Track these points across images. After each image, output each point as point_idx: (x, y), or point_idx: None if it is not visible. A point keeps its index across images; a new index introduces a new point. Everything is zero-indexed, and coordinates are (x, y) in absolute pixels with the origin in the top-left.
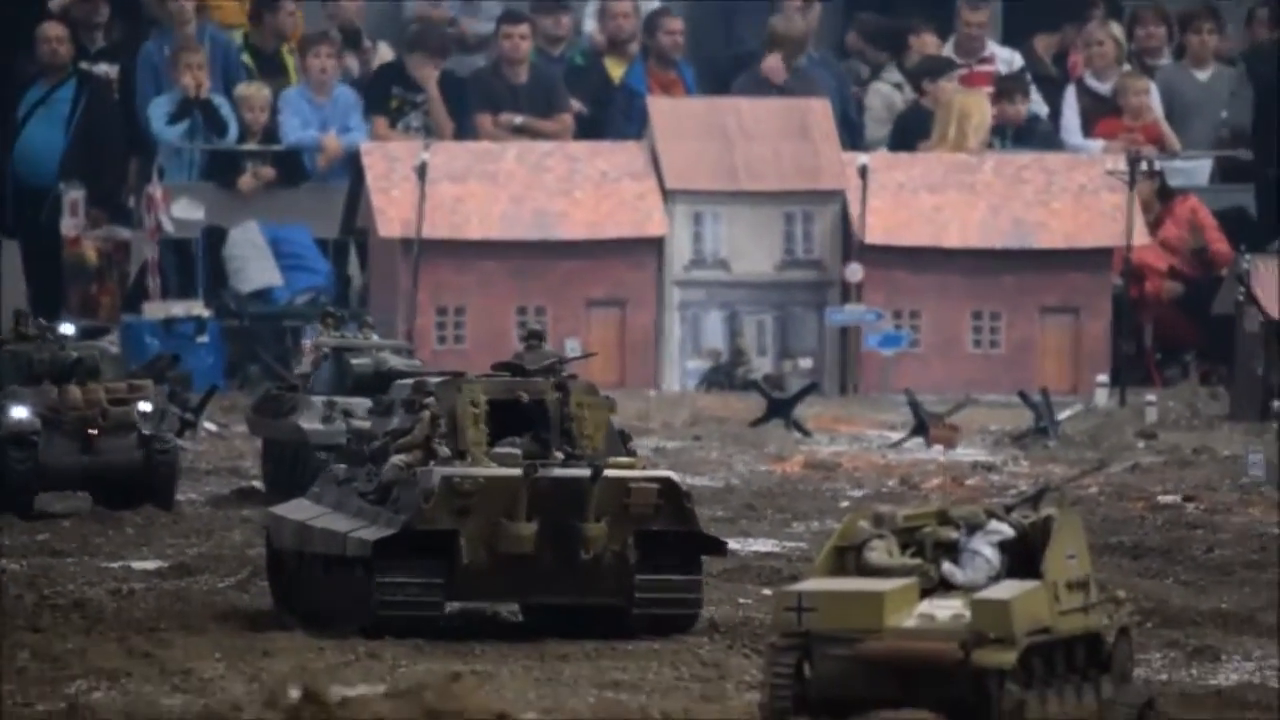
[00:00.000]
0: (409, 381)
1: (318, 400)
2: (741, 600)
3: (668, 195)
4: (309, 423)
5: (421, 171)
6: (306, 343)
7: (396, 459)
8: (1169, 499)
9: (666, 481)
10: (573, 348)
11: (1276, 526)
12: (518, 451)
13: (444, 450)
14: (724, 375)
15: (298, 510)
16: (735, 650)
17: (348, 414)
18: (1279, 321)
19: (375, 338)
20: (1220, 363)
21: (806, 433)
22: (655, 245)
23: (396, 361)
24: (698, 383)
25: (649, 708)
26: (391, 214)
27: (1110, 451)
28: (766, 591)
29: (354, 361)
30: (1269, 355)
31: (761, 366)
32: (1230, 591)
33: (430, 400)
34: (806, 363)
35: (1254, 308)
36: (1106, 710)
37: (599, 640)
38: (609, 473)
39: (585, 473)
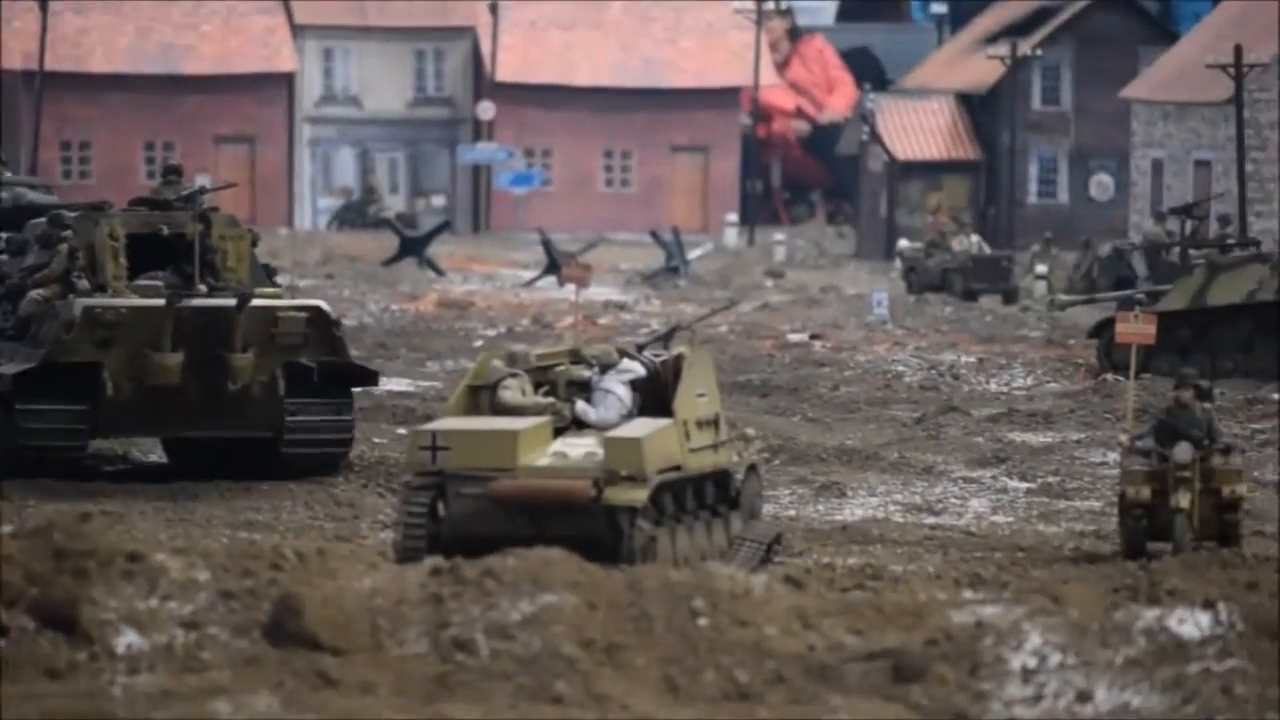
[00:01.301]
0: (43, 219)
1: None
2: (376, 440)
3: (297, 30)
4: None
5: (43, 1)
6: None
7: (34, 293)
8: (797, 337)
9: (315, 310)
10: (204, 184)
11: (899, 364)
12: (159, 283)
13: (83, 284)
14: (356, 213)
15: None
16: (370, 489)
17: None
18: (902, 162)
19: (8, 174)
20: (846, 202)
21: (440, 271)
22: (285, 81)
23: (35, 196)
24: (329, 220)
25: (282, 546)
26: (13, 45)
27: (740, 290)
28: (401, 431)
29: None
30: (892, 195)
31: (394, 204)
32: (855, 428)
33: (67, 234)
34: (439, 201)
35: (878, 147)
36: (735, 545)
37: (233, 480)
38: (255, 302)
39: (230, 302)
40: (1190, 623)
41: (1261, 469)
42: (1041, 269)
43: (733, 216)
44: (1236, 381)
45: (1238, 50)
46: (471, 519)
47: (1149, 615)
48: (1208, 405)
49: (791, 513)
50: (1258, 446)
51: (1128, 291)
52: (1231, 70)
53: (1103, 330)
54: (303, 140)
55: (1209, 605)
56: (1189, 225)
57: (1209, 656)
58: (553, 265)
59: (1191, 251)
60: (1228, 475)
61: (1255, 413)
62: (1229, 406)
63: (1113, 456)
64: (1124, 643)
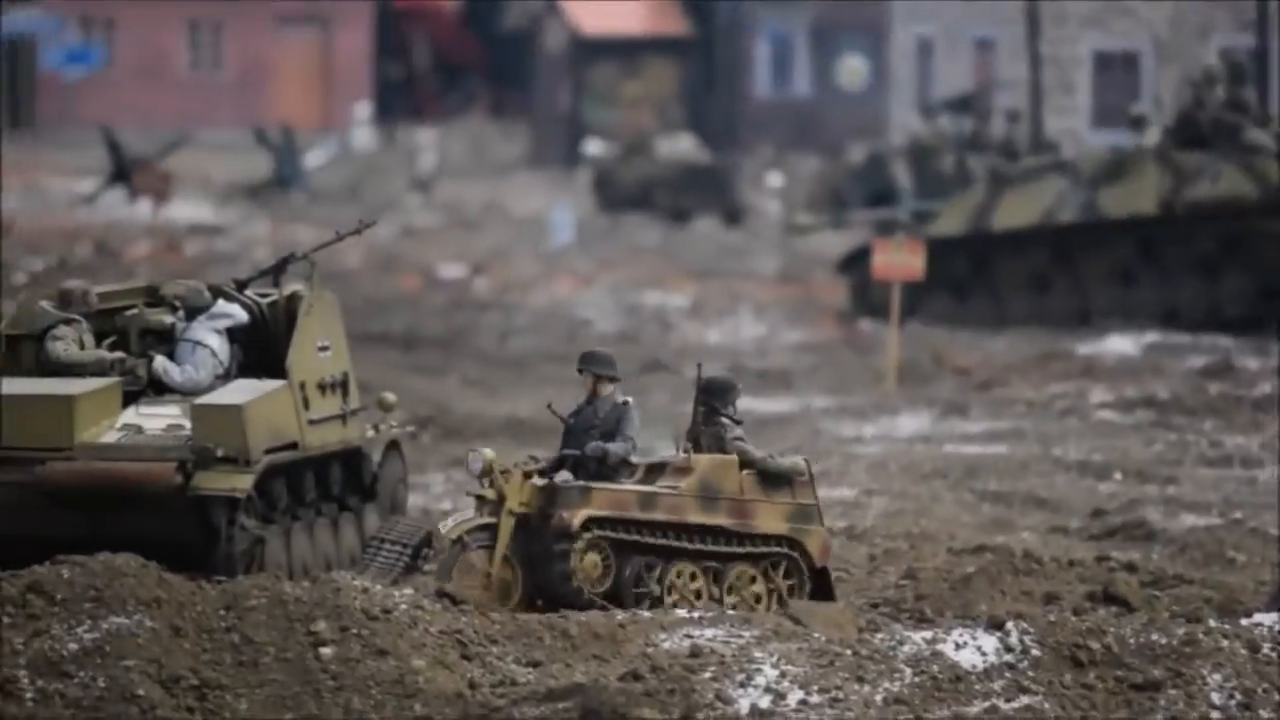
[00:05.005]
0: None
1: None
2: None
3: None
4: None
5: None
6: None
7: None
8: (452, 272)
9: None
10: None
11: (588, 307)
12: None
13: None
14: None
15: None
16: None
17: None
18: (591, 38)
19: None
20: (514, 90)
21: None
22: None
23: None
24: None
25: None
26: None
27: (374, 208)
28: None
29: None
30: (577, 82)
31: None
32: (529, 393)
33: None
34: None
35: (558, 20)
36: (371, 549)
37: None
38: None
39: None
40: (971, 648)
41: (1063, 446)
42: (774, 181)
43: (364, 110)
44: (1029, 331)
45: None
46: (11, 515)
47: (917, 638)
48: (627, 400)
49: (447, 504)
50: (1058, 416)
51: (888, 211)
52: None
53: (855, 263)
54: None
55: (996, 625)
56: (966, 124)
57: (996, 693)
58: (120, 173)
59: (970, 158)
60: (565, 498)
61: (1053, 371)
62: (1018, 364)
63: (870, 430)
64: (884, 675)
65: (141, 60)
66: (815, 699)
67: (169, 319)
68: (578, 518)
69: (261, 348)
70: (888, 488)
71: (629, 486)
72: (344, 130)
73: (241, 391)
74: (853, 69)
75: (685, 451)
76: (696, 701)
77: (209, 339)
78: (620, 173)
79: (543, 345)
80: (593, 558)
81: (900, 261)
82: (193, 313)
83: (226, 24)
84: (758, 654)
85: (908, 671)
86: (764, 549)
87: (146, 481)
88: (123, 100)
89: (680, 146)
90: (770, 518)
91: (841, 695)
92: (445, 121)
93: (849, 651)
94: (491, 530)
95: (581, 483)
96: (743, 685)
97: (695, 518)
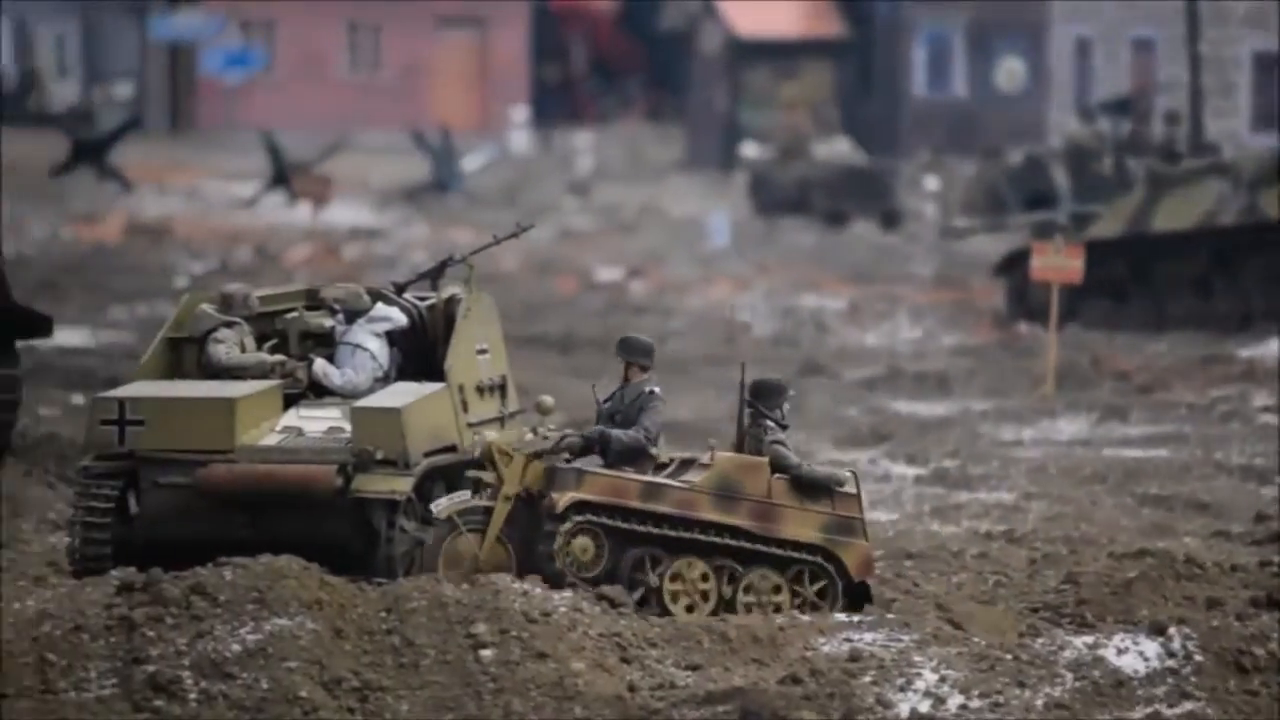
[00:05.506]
0: None
1: None
2: (42, 411)
3: None
4: None
5: None
6: None
7: None
8: (608, 275)
9: None
10: None
11: (745, 310)
12: None
13: None
14: (12, 107)
15: None
16: (34, 478)
17: None
18: (747, 40)
19: None
20: (672, 94)
21: (126, 184)
22: None
23: None
24: None
25: None
26: None
27: (532, 211)
28: (77, 399)
29: None
30: (733, 85)
31: (63, 94)
32: (687, 396)
33: None
34: (124, 89)
35: (714, 22)
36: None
37: None
38: None
39: None
40: (1133, 653)
41: (1225, 450)
42: (932, 184)
43: (521, 113)
44: (1189, 334)
45: None
46: (173, 517)
47: (1078, 643)
48: (653, 390)
49: None
50: (1219, 420)
51: (1046, 214)
52: None
53: (1013, 265)
54: None
55: (1158, 630)
56: (1125, 126)
57: (1158, 698)
58: (280, 177)
59: (1129, 160)
60: (561, 480)
61: (1214, 375)
62: (1179, 368)
63: (1029, 433)
64: (1045, 680)
65: (301, 62)
66: (975, 704)
67: (329, 322)
68: (564, 500)
69: (420, 351)
70: (1047, 491)
71: (633, 476)
72: (501, 133)
73: (401, 394)
74: (1011, 70)
75: (711, 449)
76: (856, 705)
77: (368, 342)
78: (777, 175)
79: (699, 348)
80: (582, 541)
81: (1059, 264)
82: (352, 316)
83: (385, 25)
84: (917, 658)
85: (1069, 677)
86: (789, 555)
87: (307, 484)
88: (282, 102)
89: (837, 149)
90: (800, 525)
91: (1002, 700)
92: (602, 125)
93: (1009, 656)
94: (486, 513)
95: (578, 467)
96: (902, 689)
97: (708, 515)
